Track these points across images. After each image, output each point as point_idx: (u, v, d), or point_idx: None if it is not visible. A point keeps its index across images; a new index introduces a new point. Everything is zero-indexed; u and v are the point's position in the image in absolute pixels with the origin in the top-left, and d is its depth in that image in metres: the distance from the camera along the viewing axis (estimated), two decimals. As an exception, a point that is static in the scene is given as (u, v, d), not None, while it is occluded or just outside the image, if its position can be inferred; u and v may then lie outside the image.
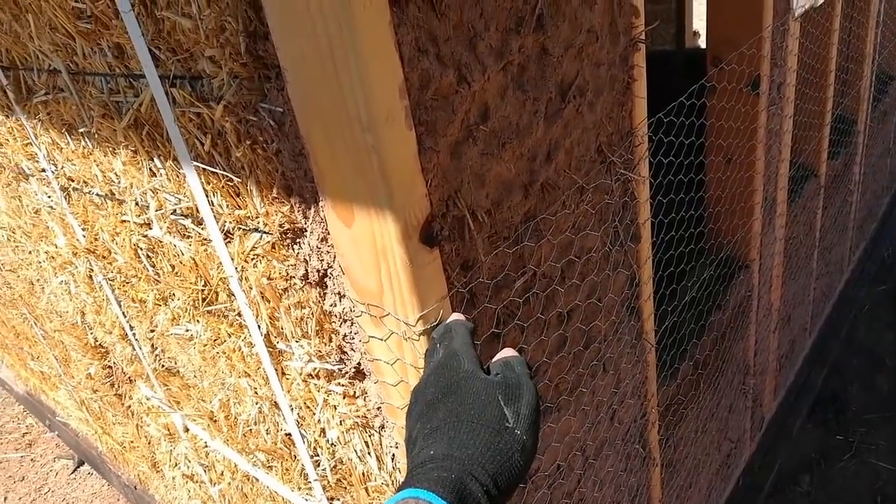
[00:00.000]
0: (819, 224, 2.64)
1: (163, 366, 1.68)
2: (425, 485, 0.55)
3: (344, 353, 1.03)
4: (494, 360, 0.70)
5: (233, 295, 1.17)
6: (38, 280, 2.04)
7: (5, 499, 3.49)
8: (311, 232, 0.92)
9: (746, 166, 1.78)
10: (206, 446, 1.77)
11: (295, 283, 1.02)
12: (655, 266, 1.41)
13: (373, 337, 0.91)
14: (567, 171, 1.04)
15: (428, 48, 0.76)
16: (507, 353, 0.70)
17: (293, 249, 0.97)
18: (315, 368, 1.10)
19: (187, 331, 1.39)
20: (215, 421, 1.56)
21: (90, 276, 1.65)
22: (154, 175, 1.14)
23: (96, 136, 1.18)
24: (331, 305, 0.99)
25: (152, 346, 1.65)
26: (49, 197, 1.54)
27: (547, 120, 0.97)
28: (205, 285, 1.24)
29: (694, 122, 1.40)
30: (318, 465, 1.29)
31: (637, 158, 1.22)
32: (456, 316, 0.80)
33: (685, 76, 2.38)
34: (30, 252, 1.92)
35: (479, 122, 0.86)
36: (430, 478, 0.56)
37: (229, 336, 1.27)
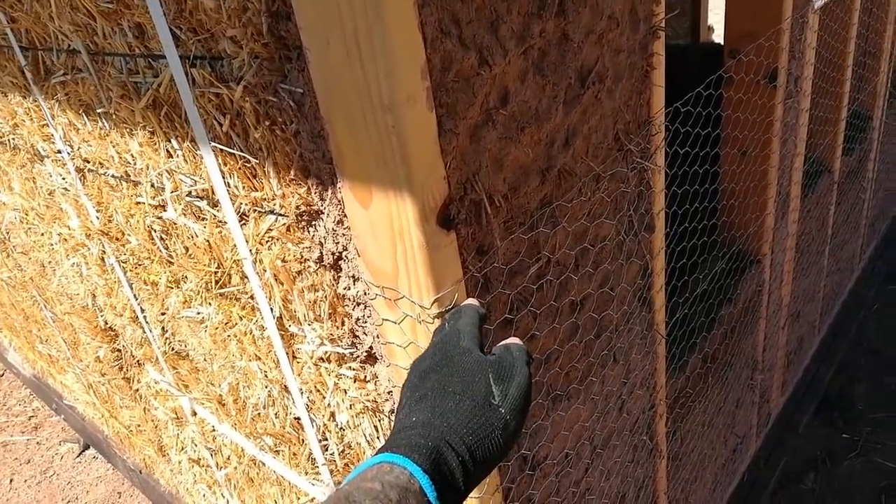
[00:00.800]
0: (831, 220, 2.62)
1: (172, 349, 1.68)
2: (402, 450, 0.56)
3: (356, 336, 1.03)
4: (498, 344, 0.71)
5: (246, 277, 1.17)
6: (49, 262, 2.05)
7: (11, 480, 3.52)
8: (328, 214, 0.92)
9: (761, 159, 1.77)
10: (214, 430, 1.78)
11: (309, 266, 1.02)
12: (668, 257, 1.41)
13: (387, 320, 0.92)
14: (584, 158, 1.04)
15: (451, 30, 0.76)
16: (512, 339, 0.71)
17: (308, 232, 0.97)
18: (326, 352, 1.10)
19: (199, 313, 1.40)
20: (224, 405, 1.57)
21: (102, 259, 1.66)
22: (171, 156, 1.14)
23: (114, 116, 1.18)
24: (344, 288, 0.99)
25: (163, 328, 1.66)
26: (64, 178, 1.55)
27: (566, 105, 0.97)
28: (218, 267, 1.24)
29: (710, 113, 1.39)
30: (327, 450, 1.29)
31: (654, 148, 1.21)
32: (471, 300, 0.80)
33: (700, 70, 2.36)
34: (42, 234, 1.93)
35: (499, 106, 0.86)
36: (408, 444, 0.56)
37: (241, 319, 1.27)
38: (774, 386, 2.48)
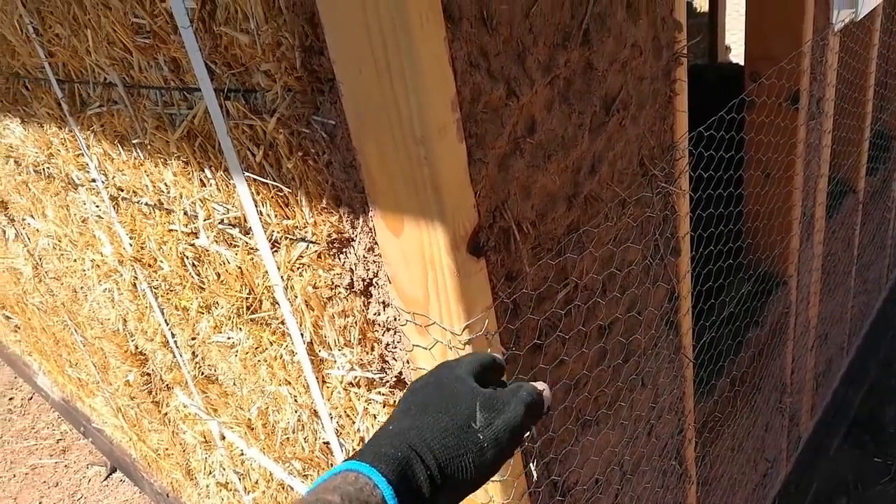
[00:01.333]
0: (857, 241, 2.60)
1: (202, 373, 1.71)
2: (368, 458, 0.54)
3: (385, 361, 1.04)
4: (510, 383, 0.68)
5: (277, 303, 1.19)
6: (81, 288, 2.09)
7: (40, 503, 3.56)
8: (359, 242, 0.94)
9: (785, 181, 1.76)
10: (242, 454, 1.80)
11: (340, 292, 1.04)
12: (694, 280, 1.41)
13: (417, 346, 0.93)
14: (610, 184, 1.05)
15: (479, 63, 0.78)
16: (529, 384, 0.67)
17: (339, 259, 0.99)
18: (356, 377, 1.11)
19: (229, 338, 1.42)
20: (253, 429, 1.58)
21: (134, 284, 1.69)
22: (204, 185, 1.17)
23: (149, 147, 1.22)
24: (374, 314, 1.00)
25: (193, 353, 1.68)
26: (97, 206, 1.59)
27: (591, 133, 0.98)
28: (249, 293, 1.26)
29: (733, 137, 1.40)
30: (356, 474, 1.30)
31: (678, 172, 1.22)
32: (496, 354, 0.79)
33: (719, 91, 2.37)
34: (75, 260, 1.98)
35: (526, 135, 0.87)
36: (376, 453, 0.55)
37: (271, 344, 1.29)
38: (804, 409, 2.44)
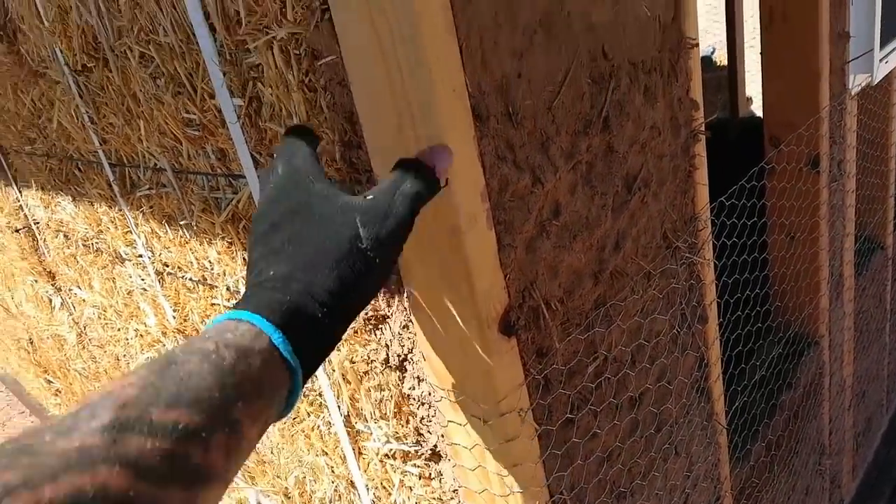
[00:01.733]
0: (889, 297, 2.57)
1: (239, 440, 1.74)
2: (249, 305, 0.50)
3: (420, 434, 1.07)
4: (385, 181, 0.62)
5: (315, 376, 1.23)
6: (124, 356, 2.16)
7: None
8: (394, 319, 0.98)
9: (810, 243, 1.78)
10: (277, 521, 1.81)
11: (376, 367, 1.08)
12: (723, 346, 1.42)
13: (451, 422, 0.96)
14: (634, 259, 1.09)
15: (506, 155, 0.83)
16: (412, 166, 0.61)
17: (375, 335, 1.04)
18: (392, 449, 1.14)
19: (266, 408, 1.46)
20: (290, 497, 1.60)
21: (175, 354, 1.75)
22: (246, 264, 1.23)
23: (195, 227, 1.29)
24: (409, 388, 1.04)
25: (230, 421, 1.72)
26: (143, 280, 1.66)
27: (614, 212, 1.02)
28: (287, 366, 1.31)
29: (755, 203, 1.43)
30: (391, 544, 1.31)
31: (701, 242, 1.25)
32: (295, 125, 0.71)
33: (742, 146, 2.41)
34: (119, 329, 2.05)
35: (552, 218, 0.92)
36: (259, 299, 0.51)
37: (309, 415, 1.33)
38: (844, 470, 2.38)
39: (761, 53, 1.65)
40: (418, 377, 1.01)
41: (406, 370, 1.03)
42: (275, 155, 0.64)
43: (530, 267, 0.90)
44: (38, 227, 2.16)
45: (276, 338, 0.48)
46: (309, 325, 0.51)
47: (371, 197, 0.59)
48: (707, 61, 5.32)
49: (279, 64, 0.88)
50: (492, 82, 0.79)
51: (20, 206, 2.17)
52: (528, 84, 0.84)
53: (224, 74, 0.98)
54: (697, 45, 1.12)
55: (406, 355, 1.01)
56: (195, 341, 0.46)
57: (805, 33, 1.60)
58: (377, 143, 0.81)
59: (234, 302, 0.51)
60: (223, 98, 1.00)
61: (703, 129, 1.18)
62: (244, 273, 1.25)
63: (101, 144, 1.45)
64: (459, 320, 0.84)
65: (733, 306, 1.41)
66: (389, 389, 1.07)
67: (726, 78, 5.00)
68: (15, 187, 2.11)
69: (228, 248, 1.24)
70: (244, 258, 1.23)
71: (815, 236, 1.78)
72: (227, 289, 1.33)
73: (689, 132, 1.16)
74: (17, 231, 2.25)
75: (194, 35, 0.97)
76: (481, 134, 0.79)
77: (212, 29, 0.95)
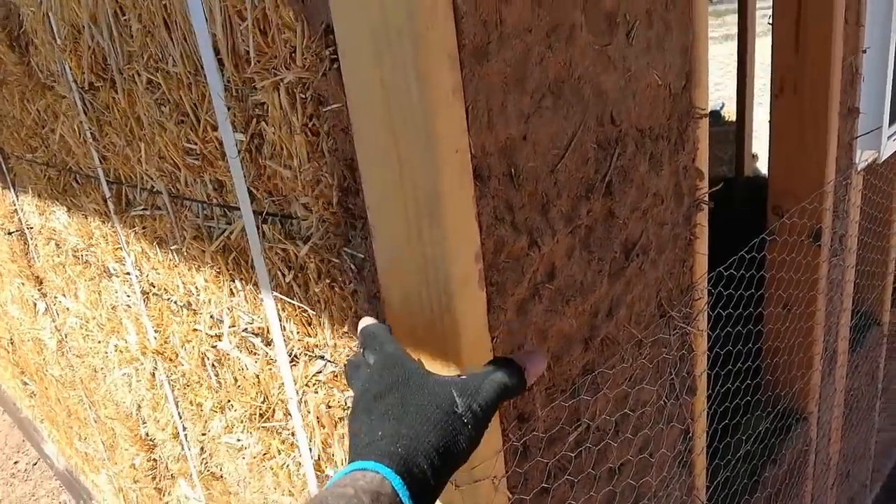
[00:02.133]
0: (882, 374, 2.55)
1: (208, 469, 1.70)
2: (373, 457, 0.56)
3: (394, 487, 1.04)
4: (478, 370, 0.68)
5: (290, 415, 1.20)
6: (101, 368, 2.12)
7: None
8: (376, 369, 0.96)
9: (806, 317, 1.76)
10: (240, 555, 1.76)
11: (354, 415, 1.05)
12: (709, 418, 1.39)
13: (426, 480, 0.93)
14: (627, 326, 1.07)
15: (504, 216, 0.82)
16: (506, 365, 0.68)
17: (356, 382, 1.01)
18: (363, 499, 1.11)
19: (239, 441, 1.43)
20: (254, 533, 1.56)
21: (153, 374, 1.72)
22: (233, 295, 1.21)
23: (185, 253, 1.27)
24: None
25: (202, 448, 1.68)
26: (129, 297, 1.64)
27: (610, 277, 1.01)
28: (264, 401, 1.28)
29: (754, 275, 1.42)
30: None
31: (696, 312, 1.23)
32: (368, 320, 0.78)
33: (745, 209, 2.40)
34: (99, 342, 2.02)
35: (546, 281, 0.90)
36: (378, 451, 0.56)
37: (279, 453, 1.29)
38: (825, 549, 2.33)
39: (769, 122, 1.66)
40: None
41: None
42: (362, 346, 0.73)
43: (519, 330, 0.88)
44: (30, 233, 2.14)
45: (397, 483, 0.55)
46: (419, 475, 0.57)
47: (464, 377, 0.66)
48: (715, 115, 5.39)
49: (284, 105, 0.87)
50: (496, 143, 0.78)
51: (15, 209, 2.16)
52: (533, 146, 0.83)
53: (228, 109, 0.97)
54: (707, 115, 1.11)
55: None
56: (335, 489, 0.53)
57: (815, 106, 1.60)
58: (375, 192, 0.79)
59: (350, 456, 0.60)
60: (226, 132, 0.99)
61: (706, 198, 1.17)
62: (229, 304, 1.23)
63: (100, 161, 1.44)
64: (442, 380, 0.81)
65: (723, 378, 1.39)
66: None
67: (734, 133, 5.04)
68: (12, 191, 2.10)
69: (216, 276, 1.22)
70: (231, 289, 1.21)
71: (811, 310, 1.76)
72: (211, 316, 1.30)
73: (692, 201, 1.15)
74: (9, 234, 2.23)
75: (203, 68, 0.97)
76: (480, 194, 0.78)
77: (220, 64, 0.94)
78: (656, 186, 1.06)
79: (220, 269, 1.19)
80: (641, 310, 1.09)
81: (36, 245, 2.17)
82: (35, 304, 2.61)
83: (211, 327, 1.33)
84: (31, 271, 2.34)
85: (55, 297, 2.25)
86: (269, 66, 0.87)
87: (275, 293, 1.06)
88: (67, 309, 2.18)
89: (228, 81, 0.95)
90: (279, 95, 0.88)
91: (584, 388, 1.01)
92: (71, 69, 1.31)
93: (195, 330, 1.40)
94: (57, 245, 1.98)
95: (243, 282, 1.16)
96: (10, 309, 3.03)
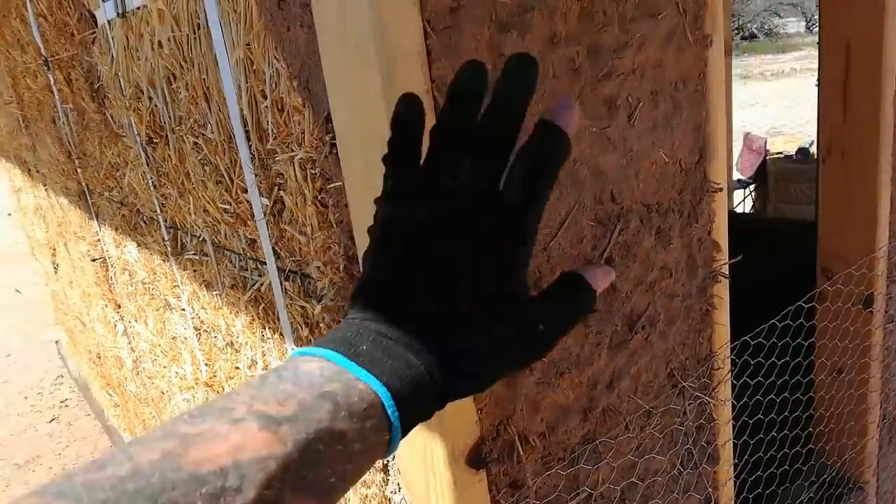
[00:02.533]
0: (962, 443, 2.37)
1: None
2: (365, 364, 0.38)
3: (398, 539, 1.08)
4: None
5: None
6: (166, 391, 2.27)
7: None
8: (379, 427, 1.01)
9: (858, 384, 1.68)
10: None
11: (362, 466, 1.10)
12: (739, 487, 1.35)
13: (420, 539, 0.96)
14: (632, 397, 1.07)
15: (492, 294, 0.85)
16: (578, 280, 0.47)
17: (364, 436, 1.06)
18: (372, 546, 1.15)
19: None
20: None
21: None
22: (264, 341, 1.29)
23: (225, 298, 1.37)
24: (391, 492, 1.05)
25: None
26: (185, 330, 1.76)
27: (611, 350, 1.02)
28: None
29: (794, 342, 1.38)
30: None
31: (716, 382, 1.21)
32: None
33: (790, 249, 2.27)
34: (164, 367, 2.17)
35: (540, 354, 0.93)
36: (372, 357, 0.38)
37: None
38: None
39: (816, 186, 1.61)
40: (399, 484, 1.03)
41: (389, 473, 1.04)
42: None
43: (508, 402, 0.90)
44: (110, 261, 2.33)
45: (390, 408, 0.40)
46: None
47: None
48: (805, 153, 5.22)
49: (298, 178, 0.95)
50: (481, 226, 0.82)
51: (98, 239, 2.36)
52: (524, 226, 0.86)
53: (255, 176, 1.05)
54: (722, 189, 1.11)
55: (388, 461, 1.03)
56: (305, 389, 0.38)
57: (864, 171, 1.54)
58: (369, 269, 0.85)
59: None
60: (253, 196, 1.07)
61: (725, 271, 1.16)
62: (262, 348, 1.31)
63: (160, 208, 1.57)
64: (427, 449, 0.85)
65: (762, 446, 1.35)
66: (374, 488, 1.09)
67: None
68: (96, 222, 2.29)
69: (251, 322, 1.31)
70: (262, 335, 1.29)
71: (864, 377, 1.68)
72: (248, 357, 1.39)
73: (707, 273, 1.14)
74: (94, 260, 2.44)
75: (234, 137, 1.06)
76: (465, 274, 0.82)
77: (247, 135, 1.03)
78: (664, 260, 1.07)
79: (252, 317, 1.28)
80: (649, 381, 1.09)
81: (115, 273, 2.36)
82: (115, 325, 2.82)
83: (249, 367, 1.42)
84: (112, 296, 2.54)
85: (130, 322, 2.44)
86: (286, 142, 0.95)
87: (294, 346, 1.13)
88: (139, 333, 2.35)
89: (254, 151, 1.03)
90: (294, 169, 0.95)
91: (583, 456, 1.02)
92: (135, 124, 1.45)
93: (237, 367, 1.49)
94: (130, 275, 2.15)
95: (271, 330, 1.24)
96: (96, 326, 3.28)
